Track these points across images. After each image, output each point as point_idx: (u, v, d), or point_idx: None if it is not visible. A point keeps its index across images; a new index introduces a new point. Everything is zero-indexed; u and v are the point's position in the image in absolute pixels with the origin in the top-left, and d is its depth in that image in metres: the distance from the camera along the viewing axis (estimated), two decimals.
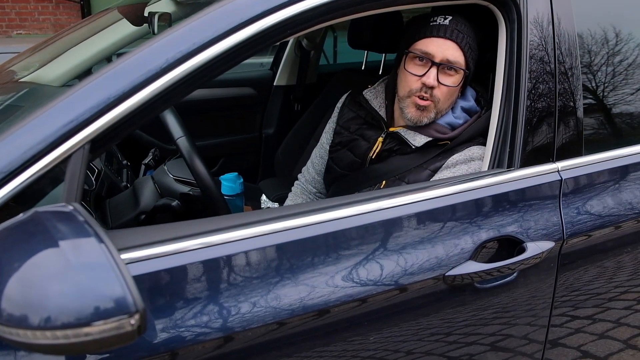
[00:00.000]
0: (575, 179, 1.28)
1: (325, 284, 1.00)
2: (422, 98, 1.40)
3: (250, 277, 0.95)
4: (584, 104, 1.31)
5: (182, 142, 1.37)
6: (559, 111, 1.27)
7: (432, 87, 1.38)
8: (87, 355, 0.82)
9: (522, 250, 1.17)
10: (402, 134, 1.47)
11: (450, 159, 1.41)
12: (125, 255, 0.87)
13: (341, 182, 1.61)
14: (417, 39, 1.41)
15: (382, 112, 1.55)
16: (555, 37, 1.26)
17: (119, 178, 1.85)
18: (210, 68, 0.96)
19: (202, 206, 1.51)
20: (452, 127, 1.45)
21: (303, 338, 1.00)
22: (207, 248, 0.93)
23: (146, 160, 2.02)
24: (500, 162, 1.25)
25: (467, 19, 1.43)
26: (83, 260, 0.67)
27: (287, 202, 1.81)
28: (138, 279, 0.86)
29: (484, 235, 1.15)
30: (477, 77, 1.54)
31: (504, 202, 1.20)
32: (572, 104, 1.29)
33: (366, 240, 1.05)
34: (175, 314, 0.90)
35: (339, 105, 1.71)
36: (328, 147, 1.69)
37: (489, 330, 1.21)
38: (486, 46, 1.47)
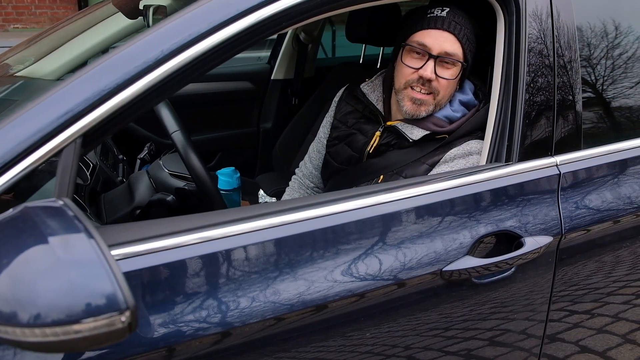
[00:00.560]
0: (574, 173, 1.27)
1: (324, 279, 0.99)
2: (420, 90, 1.39)
3: (248, 272, 0.95)
4: (582, 98, 1.30)
5: (177, 136, 1.35)
6: (558, 105, 1.26)
7: (429, 80, 1.37)
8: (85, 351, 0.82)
9: (520, 245, 1.16)
10: (400, 127, 1.46)
11: (448, 153, 1.40)
12: (122, 250, 0.87)
13: (339, 177, 1.60)
14: (414, 31, 1.39)
15: (380, 106, 1.53)
16: (555, 30, 1.25)
17: (115, 173, 1.84)
18: (206, 60, 0.95)
19: (197, 201, 1.49)
20: (450, 121, 1.44)
21: (301, 333, 1.00)
22: (205, 243, 0.92)
23: (142, 155, 2.00)
24: (498, 156, 1.24)
25: (465, 10, 1.41)
26: (72, 257, 0.66)
27: (285, 196, 1.80)
28: (134, 274, 0.87)
29: (481, 230, 1.14)
30: (476, 70, 1.52)
31: (501, 197, 1.19)
32: (570, 97, 1.28)
33: (364, 235, 1.05)
34: (174, 309, 0.89)
35: (336, 99, 1.70)
36: (325, 142, 1.68)
37: (486, 326, 1.20)
38: (485, 39, 1.46)
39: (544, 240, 1.19)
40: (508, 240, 1.17)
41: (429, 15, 1.39)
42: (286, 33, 2.69)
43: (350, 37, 2.07)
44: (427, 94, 1.40)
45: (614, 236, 1.34)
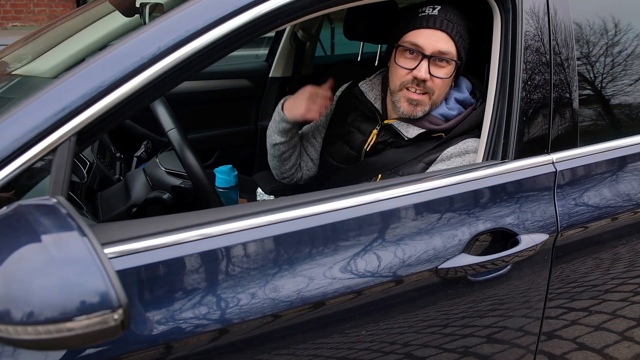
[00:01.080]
0: (570, 170, 1.27)
1: (322, 276, 1.00)
2: (415, 91, 1.39)
3: (247, 269, 0.95)
4: (579, 95, 1.30)
5: (173, 134, 1.35)
6: (554, 102, 1.26)
7: (424, 80, 1.36)
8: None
9: (516, 242, 1.16)
10: (396, 126, 1.46)
11: (445, 151, 1.40)
12: (117, 248, 0.87)
13: (337, 176, 1.60)
14: (406, 31, 1.39)
15: (378, 105, 1.53)
16: (551, 28, 1.25)
17: (112, 170, 1.84)
18: (202, 57, 0.95)
19: (193, 199, 1.50)
20: (446, 119, 1.44)
21: (300, 330, 1.00)
22: (201, 240, 0.92)
23: (138, 153, 2.00)
24: (494, 154, 1.24)
25: (460, 8, 1.41)
26: (65, 255, 0.67)
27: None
28: (130, 271, 0.87)
29: (477, 227, 1.14)
30: (473, 68, 1.52)
31: (497, 195, 1.19)
32: (567, 95, 1.28)
33: (361, 233, 1.05)
34: (171, 306, 0.89)
35: (337, 94, 1.70)
36: (324, 132, 1.67)
37: (483, 323, 1.20)
38: (482, 37, 1.45)
39: (540, 237, 1.19)
40: (504, 237, 1.17)
41: (420, 15, 1.39)
42: (284, 31, 2.69)
43: (348, 34, 2.07)
44: (423, 94, 1.39)
45: (611, 234, 1.34)
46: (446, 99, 1.46)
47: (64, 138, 0.86)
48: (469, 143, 1.39)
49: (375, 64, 2.49)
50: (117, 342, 0.83)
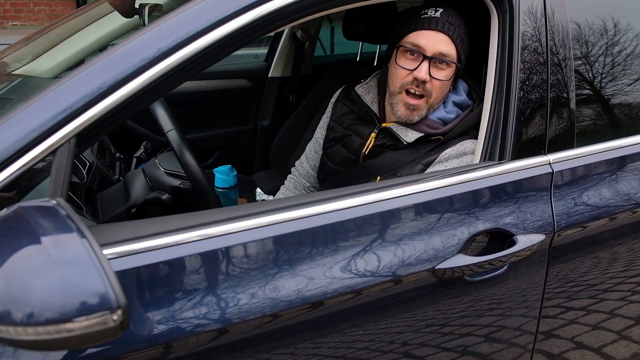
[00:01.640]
0: (567, 171, 1.28)
1: (322, 275, 1.01)
2: (414, 93, 1.39)
3: (247, 269, 0.96)
4: (576, 96, 1.30)
5: (172, 135, 1.36)
6: (551, 103, 1.26)
7: (424, 82, 1.37)
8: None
9: (513, 243, 1.17)
10: (394, 129, 1.46)
11: (442, 153, 1.40)
12: (116, 249, 0.87)
13: (335, 179, 1.61)
14: (408, 32, 1.39)
15: (375, 108, 1.54)
16: (548, 28, 1.26)
17: (112, 171, 1.85)
18: (203, 58, 0.96)
19: (192, 199, 1.50)
20: (444, 122, 1.44)
21: (300, 329, 1.01)
22: (200, 241, 0.93)
23: (138, 153, 2.01)
24: (491, 155, 1.24)
25: (459, 10, 1.41)
26: (65, 256, 0.67)
27: (279, 195, 1.80)
28: (129, 272, 0.87)
29: (474, 228, 1.14)
30: (471, 69, 1.53)
31: (494, 195, 1.19)
32: (564, 95, 1.29)
33: (359, 234, 1.05)
34: (170, 306, 0.90)
35: (332, 100, 1.70)
36: (322, 142, 1.68)
37: (480, 322, 1.21)
38: (480, 38, 1.46)
39: (537, 238, 1.20)
40: (501, 238, 1.18)
41: (422, 16, 1.39)
42: (283, 31, 2.70)
43: (346, 34, 2.07)
44: (420, 97, 1.40)
45: (607, 234, 1.35)
46: (444, 103, 1.46)
47: (64, 140, 0.87)
48: (466, 145, 1.40)
49: (374, 64, 2.49)
50: (117, 342, 0.84)
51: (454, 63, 1.38)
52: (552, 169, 1.25)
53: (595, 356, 1.47)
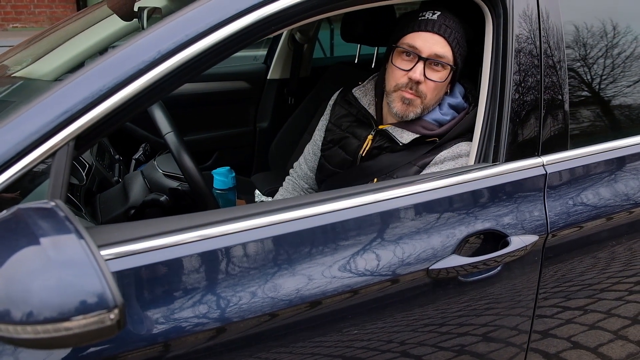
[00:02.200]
0: (560, 173, 1.29)
1: (321, 275, 1.02)
2: (409, 92, 1.41)
3: (246, 269, 0.97)
4: (570, 98, 1.32)
5: (170, 137, 1.38)
6: (545, 105, 1.27)
7: (418, 82, 1.38)
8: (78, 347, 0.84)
9: (506, 244, 1.18)
10: (390, 131, 1.48)
11: (438, 155, 1.41)
12: (114, 250, 0.89)
13: (333, 180, 1.62)
14: (405, 33, 1.41)
15: (372, 110, 1.55)
16: (542, 31, 1.27)
17: (111, 173, 1.86)
18: (202, 60, 0.97)
19: (190, 201, 1.52)
20: (440, 124, 1.46)
21: (298, 328, 1.02)
22: (198, 241, 0.94)
23: (136, 155, 2.03)
24: (485, 157, 1.26)
25: (457, 15, 1.43)
26: (63, 257, 0.69)
27: (277, 196, 1.82)
28: (127, 272, 0.89)
29: (467, 229, 1.16)
30: (467, 72, 1.54)
31: (488, 197, 1.21)
32: (558, 97, 1.30)
33: (355, 235, 1.07)
34: (169, 306, 0.91)
35: (331, 102, 1.72)
36: (320, 144, 1.70)
37: (475, 322, 1.22)
38: (475, 40, 1.47)
39: (530, 239, 1.21)
40: (494, 239, 1.19)
41: (420, 18, 1.41)
42: (282, 33, 2.71)
43: (345, 36, 2.09)
44: (416, 96, 1.41)
45: (601, 234, 1.36)
46: (440, 105, 1.47)
47: (63, 142, 0.88)
48: (462, 147, 1.41)
49: (372, 66, 2.50)
50: (116, 340, 0.86)
51: (449, 65, 1.40)
52: (546, 171, 1.27)
53: (591, 356, 1.49)
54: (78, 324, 0.67)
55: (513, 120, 1.24)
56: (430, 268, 1.11)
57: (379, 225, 1.10)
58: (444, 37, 1.38)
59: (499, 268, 1.19)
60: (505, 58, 1.24)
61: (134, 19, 1.80)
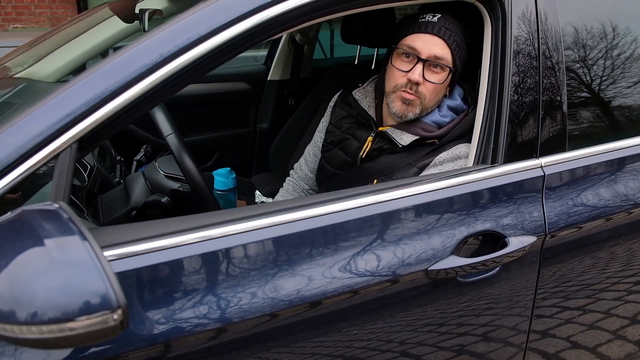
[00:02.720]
0: (558, 174, 1.30)
1: (321, 275, 1.03)
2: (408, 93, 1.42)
3: (247, 269, 0.98)
4: (568, 100, 1.33)
5: (172, 139, 1.38)
6: (544, 107, 1.28)
7: (417, 83, 1.40)
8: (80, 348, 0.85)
9: (504, 245, 1.19)
10: (390, 133, 1.49)
11: (437, 157, 1.42)
12: (117, 251, 0.90)
13: (333, 181, 1.63)
14: (405, 35, 1.42)
15: (372, 112, 1.56)
16: (541, 33, 1.28)
17: (112, 174, 1.87)
18: (204, 63, 0.98)
19: (191, 202, 1.53)
20: (439, 126, 1.47)
21: (298, 328, 1.03)
22: (199, 243, 0.95)
23: (138, 156, 2.04)
24: (484, 158, 1.27)
25: (457, 18, 1.44)
26: (67, 258, 0.70)
27: (278, 197, 1.83)
28: (129, 273, 0.90)
29: (466, 230, 1.17)
30: (466, 74, 1.55)
31: (487, 198, 1.22)
32: (557, 99, 1.31)
33: (352, 236, 1.08)
34: (170, 306, 0.92)
35: (331, 104, 1.73)
36: (321, 146, 1.71)
37: (474, 322, 1.23)
38: (475, 41, 1.48)
39: (528, 240, 1.22)
40: (493, 240, 1.20)
41: (420, 20, 1.42)
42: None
43: (345, 38, 2.10)
44: (415, 97, 1.43)
45: (599, 235, 1.37)
46: (439, 107, 1.49)
47: (66, 145, 0.89)
48: (461, 149, 1.42)
49: (372, 68, 2.51)
50: (118, 341, 0.87)
51: (448, 67, 1.41)
52: (544, 172, 1.27)
53: (590, 355, 1.50)
54: (82, 324, 0.68)
55: (512, 122, 1.25)
56: (429, 269, 1.12)
57: (378, 226, 1.11)
58: (444, 39, 1.39)
59: (497, 269, 1.20)
60: (504, 60, 1.25)
61: (135, 21, 1.82)
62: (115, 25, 1.95)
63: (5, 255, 0.71)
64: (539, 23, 1.28)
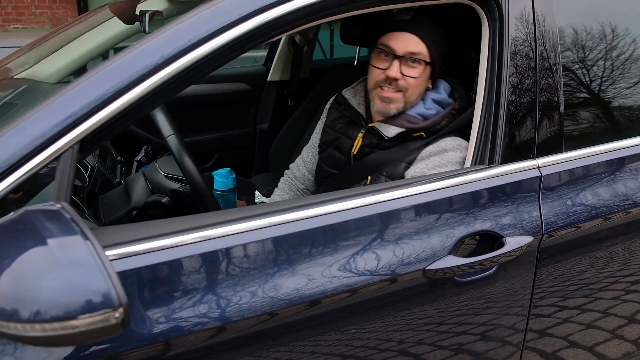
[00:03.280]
0: (555, 175, 1.31)
1: (321, 274, 1.04)
2: (388, 90, 1.47)
3: (247, 269, 0.99)
4: (565, 101, 1.34)
5: (172, 140, 1.40)
6: (541, 108, 1.29)
7: (396, 79, 1.45)
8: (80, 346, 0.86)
9: (502, 244, 1.20)
10: (377, 127, 1.53)
11: (424, 150, 1.45)
12: (118, 251, 0.91)
13: (329, 181, 1.66)
14: (381, 34, 1.49)
15: (361, 110, 1.61)
16: (538, 35, 1.29)
17: (113, 174, 1.88)
18: (205, 64, 0.99)
19: (192, 202, 1.54)
20: (424, 118, 1.50)
21: (298, 327, 1.04)
22: (199, 243, 0.96)
23: (138, 157, 2.05)
24: (481, 159, 1.28)
25: (432, 14, 1.49)
26: (69, 257, 0.71)
27: (274, 196, 1.84)
28: (130, 273, 0.91)
29: (463, 230, 1.18)
30: (463, 74, 1.56)
31: (484, 198, 1.23)
32: (554, 100, 1.32)
33: (350, 236, 1.09)
34: (170, 305, 0.93)
35: (327, 106, 1.78)
36: (318, 146, 1.74)
37: (473, 321, 1.24)
38: (471, 44, 1.50)
39: (525, 240, 1.23)
40: (490, 240, 1.21)
41: (394, 19, 1.49)
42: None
43: (344, 39, 2.11)
44: (397, 92, 1.47)
45: (595, 235, 1.38)
46: (424, 99, 1.53)
47: (68, 146, 0.90)
48: (447, 142, 1.45)
49: None
50: (118, 339, 0.88)
51: (424, 61, 1.45)
52: (541, 173, 1.28)
53: (587, 355, 1.50)
54: (84, 322, 0.69)
55: (509, 123, 1.26)
56: (426, 268, 1.13)
57: (377, 226, 1.12)
58: (417, 36, 1.45)
59: (494, 268, 1.21)
60: (501, 61, 1.26)
61: (136, 22, 1.82)
62: (115, 27, 1.95)
63: (9, 254, 0.73)
64: (536, 24, 1.29)
